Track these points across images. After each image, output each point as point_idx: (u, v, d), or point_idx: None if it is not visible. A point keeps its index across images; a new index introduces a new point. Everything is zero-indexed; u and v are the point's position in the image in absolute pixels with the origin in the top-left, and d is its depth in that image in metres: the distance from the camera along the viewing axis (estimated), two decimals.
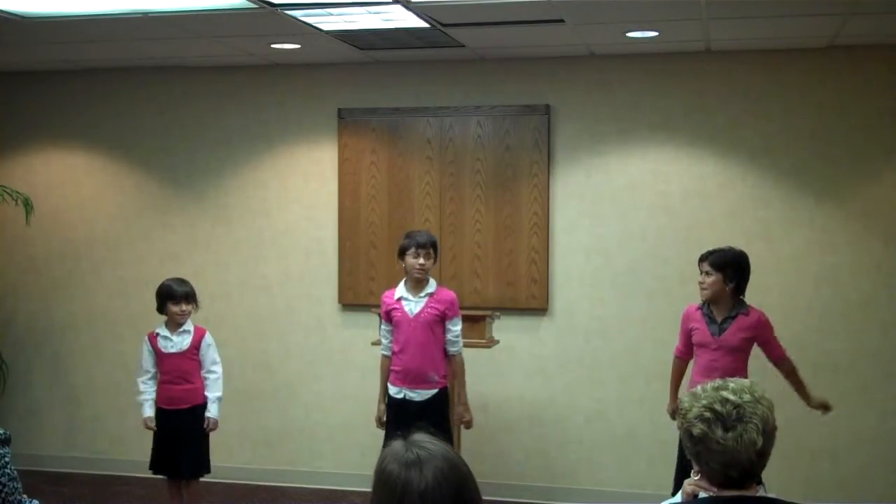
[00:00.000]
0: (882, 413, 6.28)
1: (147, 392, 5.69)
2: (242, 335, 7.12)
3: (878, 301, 6.29)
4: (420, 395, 5.47)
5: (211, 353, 5.72)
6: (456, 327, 5.55)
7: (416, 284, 5.50)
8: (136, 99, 7.35)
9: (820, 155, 6.33)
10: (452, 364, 5.59)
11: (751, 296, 6.39)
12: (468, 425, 5.71)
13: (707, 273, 5.20)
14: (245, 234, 7.19)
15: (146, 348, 5.73)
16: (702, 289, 5.24)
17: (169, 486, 5.84)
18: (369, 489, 2.12)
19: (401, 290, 5.54)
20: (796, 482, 6.14)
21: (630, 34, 5.89)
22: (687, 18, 5.53)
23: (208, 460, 5.78)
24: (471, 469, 2.12)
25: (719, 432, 2.45)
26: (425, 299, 5.49)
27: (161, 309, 5.71)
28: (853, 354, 6.32)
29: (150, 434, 6.62)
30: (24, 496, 3.39)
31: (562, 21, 5.52)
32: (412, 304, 5.48)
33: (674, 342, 6.51)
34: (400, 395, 5.50)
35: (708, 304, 5.28)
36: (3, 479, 3.24)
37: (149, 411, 5.70)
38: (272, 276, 7.11)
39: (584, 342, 6.66)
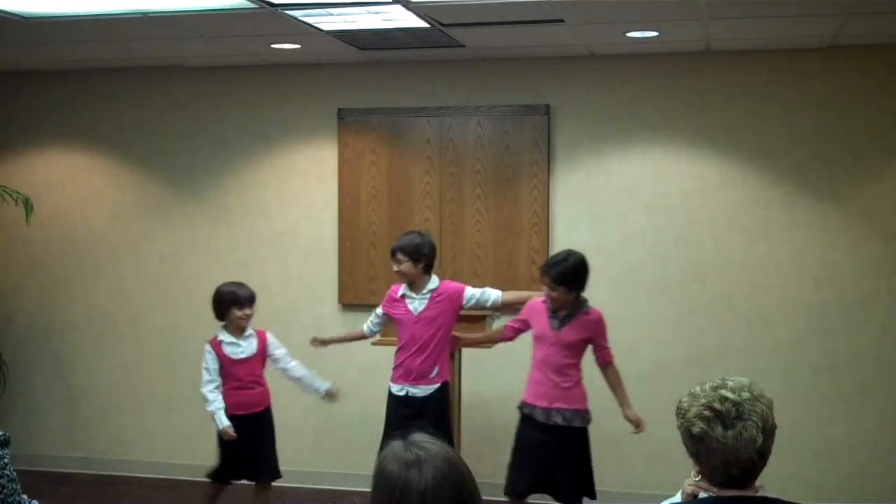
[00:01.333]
0: (882, 413, 6.28)
1: (218, 401, 5.53)
2: None
3: (878, 301, 6.29)
4: (423, 390, 5.51)
5: (280, 348, 5.73)
6: (474, 291, 5.58)
7: (412, 286, 5.54)
8: (136, 99, 7.35)
9: (820, 155, 6.33)
10: (507, 299, 5.66)
11: (751, 295, 6.42)
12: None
13: (551, 287, 5.23)
14: (245, 234, 7.19)
15: (211, 357, 5.58)
16: (550, 299, 5.28)
17: (214, 492, 5.73)
18: (369, 489, 2.12)
19: (404, 287, 5.59)
20: (796, 482, 6.13)
21: (630, 34, 5.89)
22: (687, 18, 5.53)
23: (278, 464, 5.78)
24: (470, 469, 2.12)
25: (719, 430, 2.45)
26: (428, 296, 5.52)
27: (222, 315, 5.59)
28: (853, 354, 6.31)
29: (149, 434, 6.61)
30: (24, 496, 3.39)
31: (562, 21, 5.51)
32: (416, 302, 5.52)
33: (674, 342, 6.55)
34: (402, 392, 5.54)
35: None
36: (2, 481, 3.24)
37: (226, 420, 5.51)
38: (272, 276, 7.11)
39: None
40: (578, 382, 5.36)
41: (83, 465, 7.40)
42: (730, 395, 2.49)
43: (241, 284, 5.67)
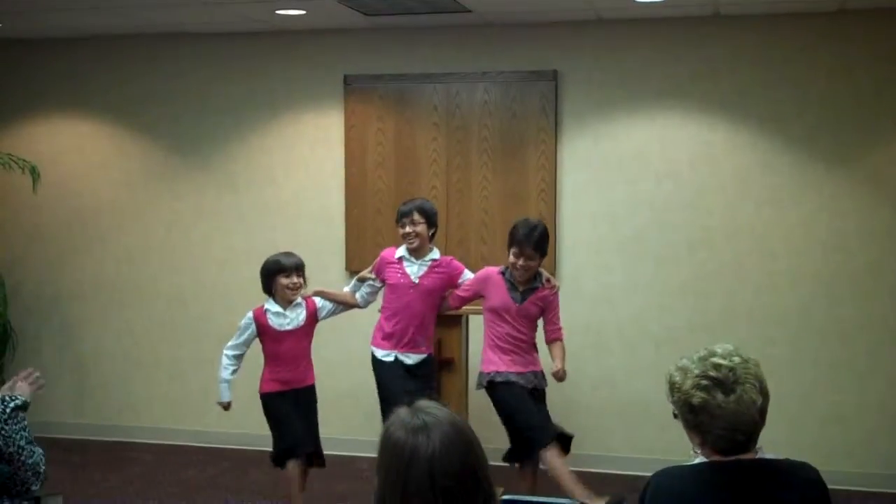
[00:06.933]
0: (890, 379, 6.27)
1: (229, 370, 5.33)
2: (251, 302, 7.06)
3: (886, 267, 6.26)
4: (411, 358, 5.51)
5: (326, 304, 5.45)
6: (467, 275, 5.56)
7: (414, 250, 5.49)
8: (142, 67, 7.33)
9: (829, 121, 6.29)
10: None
11: (759, 262, 6.40)
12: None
13: (530, 258, 5.22)
14: (252, 201, 7.18)
15: (251, 327, 5.32)
16: (523, 271, 5.26)
17: (293, 474, 5.28)
18: (375, 455, 2.12)
19: (402, 250, 5.52)
20: (804, 448, 6.12)
21: None
22: None
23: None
24: (477, 434, 2.13)
25: (720, 397, 2.46)
26: (429, 264, 5.49)
27: (268, 287, 5.31)
28: (861, 321, 6.30)
29: (157, 400, 6.55)
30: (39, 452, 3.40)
31: None
32: (415, 267, 5.48)
33: (682, 308, 6.54)
34: (390, 358, 5.52)
35: (509, 271, 5.33)
36: (20, 442, 3.27)
37: (228, 395, 5.33)
38: (279, 243, 7.08)
39: (591, 309, 6.66)
40: (536, 349, 5.47)
41: (92, 432, 7.44)
42: (722, 361, 2.49)
43: (288, 253, 5.38)
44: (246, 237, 7.17)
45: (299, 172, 7.09)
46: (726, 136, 6.43)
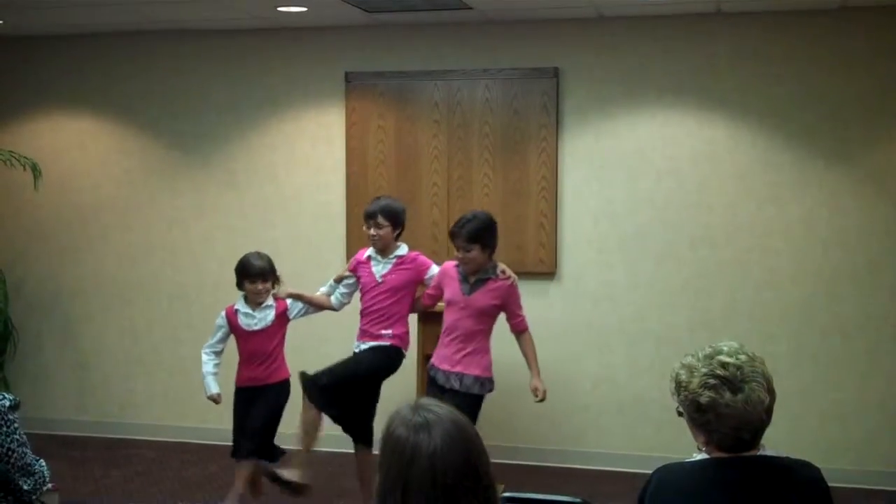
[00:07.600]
0: (890, 377, 6.28)
1: (210, 364, 5.41)
2: None
3: (886, 264, 6.26)
4: (369, 346, 5.51)
5: (297, 304, 5.47)
6: (434, 271, 5.50)
7: (380, 251, 5.50)
8: (143, 63, 7.32)
9: (830, 118, 6.29)
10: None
11: (760, 259, 6.40)
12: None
13: (466, 249, 5.17)
14: (253, 198, 7.18)
15: (223, 327, 5.42)
16: (464, 264, 5.23)
17: (241, 469, 5.47)
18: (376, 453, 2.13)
19: (371, 250, 5.54)
20: (805, 446, 6.13)
21: None
22: None
23: (274, 447, 5.49)
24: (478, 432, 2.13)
25: (728, 396, 2.44)
26: (393, 261, 5.48)
27: (240, 284, 5.39)
28: (861, 318, 6.30)
29: (159, 397, 6.54)
30: (34, 457, 3.42)
31: None
32: (380, 266, 5.48)
33: (682, 306, 6.54)
34: (357, 349, 5.58)
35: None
36: (11, 445, 3.27)
37: (214, 386, 5.41)
38: (280, 240, 7.10)
39: (592, 307, 6.66)
40: (484, 350, 5.32)
41: (93, 429, 7.44)
42: (729, 359, 2.48)
43: (259, 256, 5.39)
44: (247, 234, 7.17)
45: (300, 170, 7.09)
46: (727, 133, 6.43)
